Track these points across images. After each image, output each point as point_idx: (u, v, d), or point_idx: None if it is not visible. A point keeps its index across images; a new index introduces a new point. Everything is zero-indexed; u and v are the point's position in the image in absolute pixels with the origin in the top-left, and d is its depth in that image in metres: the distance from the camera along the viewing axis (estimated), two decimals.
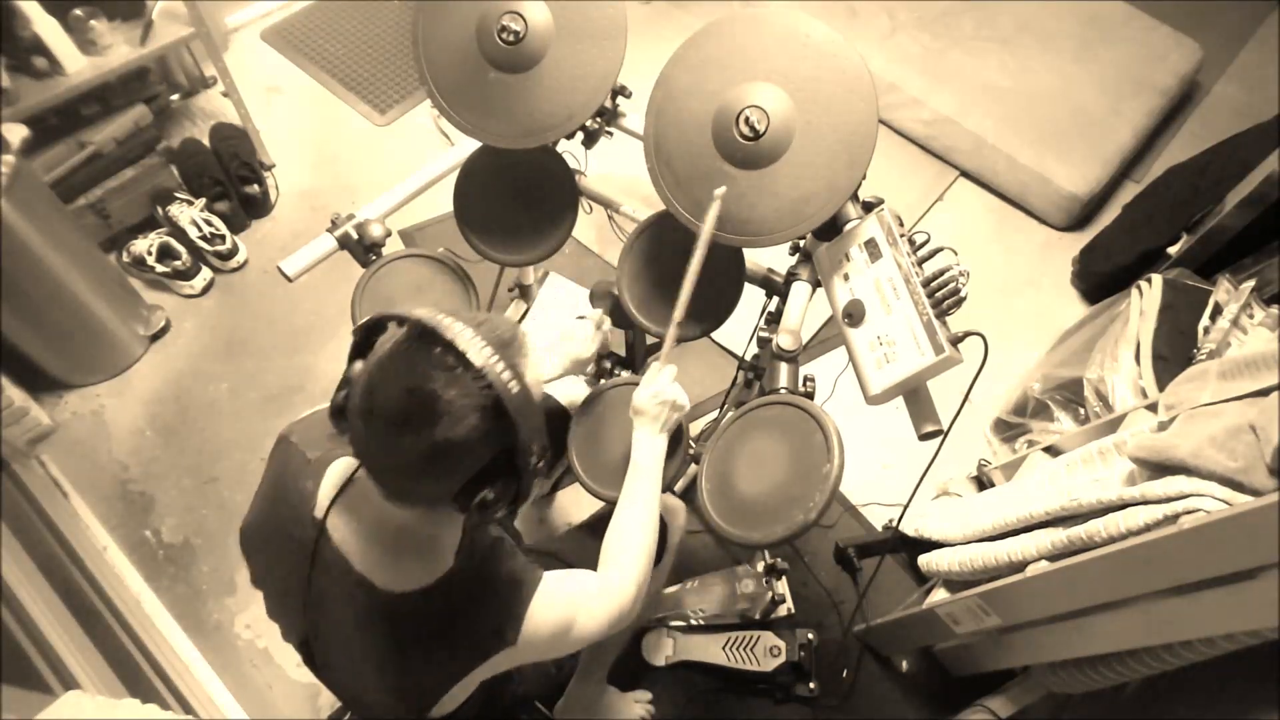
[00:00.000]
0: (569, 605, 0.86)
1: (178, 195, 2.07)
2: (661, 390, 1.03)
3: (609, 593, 0.90)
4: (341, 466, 0.82)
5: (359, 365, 0.73)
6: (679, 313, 1.07)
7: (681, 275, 1.26)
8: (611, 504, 1.07)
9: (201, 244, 2.04)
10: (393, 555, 0.79)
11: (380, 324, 0.73)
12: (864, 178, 1.04)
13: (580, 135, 1.31)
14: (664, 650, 1.57)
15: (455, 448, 0.68)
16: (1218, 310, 1.57)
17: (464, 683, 0.81)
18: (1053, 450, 1.47)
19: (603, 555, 0.95)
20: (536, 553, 1.21)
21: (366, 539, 0.79)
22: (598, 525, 1.08)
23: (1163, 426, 1.12)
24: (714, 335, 1.66)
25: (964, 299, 0.96)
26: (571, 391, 1.32)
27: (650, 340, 1.72)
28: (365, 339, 0.74)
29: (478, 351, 0.68)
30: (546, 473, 0.76)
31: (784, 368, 1.12)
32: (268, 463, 0.89)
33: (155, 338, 1.99)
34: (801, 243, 1.20)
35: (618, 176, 1.39)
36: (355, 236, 1.32)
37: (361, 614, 0.80)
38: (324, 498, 0.80)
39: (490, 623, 0.81)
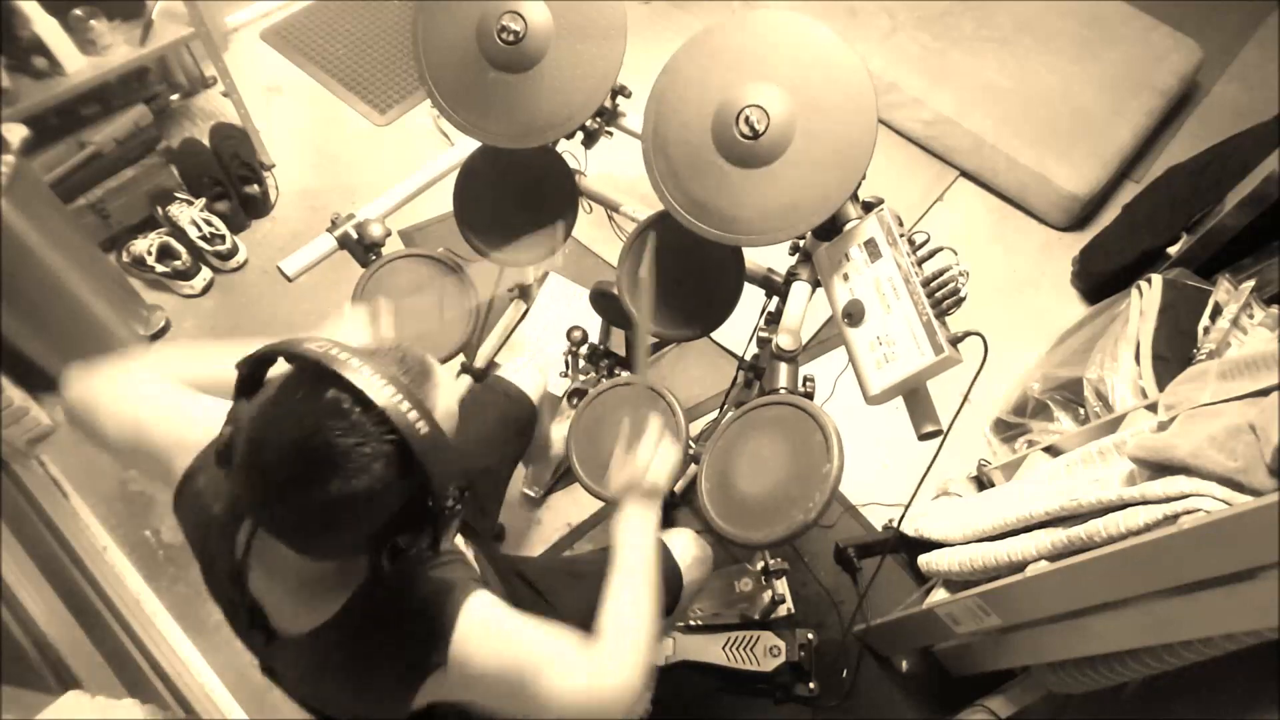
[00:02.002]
0: (525, 649, 0.74)
1: (178, 195, 2.07)
2: (644, 455, 0.92)
3: (598, 668, 0.74)
4: (249, 521, 0.74)
5: (244, 406, 0.65)
6: (642, 362, 1.05)
7: (681, 276, 1.26)
8: (611, 504, 1.07)
9: (201, 244, 2.04)
10: (307, 597, 0.73)
11: (269, 358, 0.66)
12: (864, 178, 1.04)
13: (580, 135, 1.31)
14: (664, 650, 1.57)
15: (356, 501, 0.60)
16: (1218, 310, 1.57)
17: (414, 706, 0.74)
18: (1053, 450, 1.47)
19: (597, 630, 0.79)
20: (509, 570, 1.15)
21: (282, 589, 0.74)
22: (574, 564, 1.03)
23: (1163, 426, 1.12)
24: (714, 335, 1.66)
25: (964, 299, 0.96)
26: (530, 381, 1.29)
27: (650, 340, 1.72)
28: (252, 374, 0.67)
29: (379, 391, 0.60)
30: (471, 507, 0.70)
31: (784, 368, 1.12)
32: (180, 514, 0.82)
33: (155, 338, 1.99)
34: (801, 242, 1.20)
35: (618, 176, 1.39)
36: (355, 236, 1.32)
37: (290, 658, 0.77)
38: (241, 543, 0.74)
39: (416, 638, 0.73)
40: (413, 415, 0.61)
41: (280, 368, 0.68)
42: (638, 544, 0.87)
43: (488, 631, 0.73)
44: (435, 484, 0.63)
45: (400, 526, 0.65)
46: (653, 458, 0.93)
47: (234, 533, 0.75)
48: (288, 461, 0.59)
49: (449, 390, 0.71)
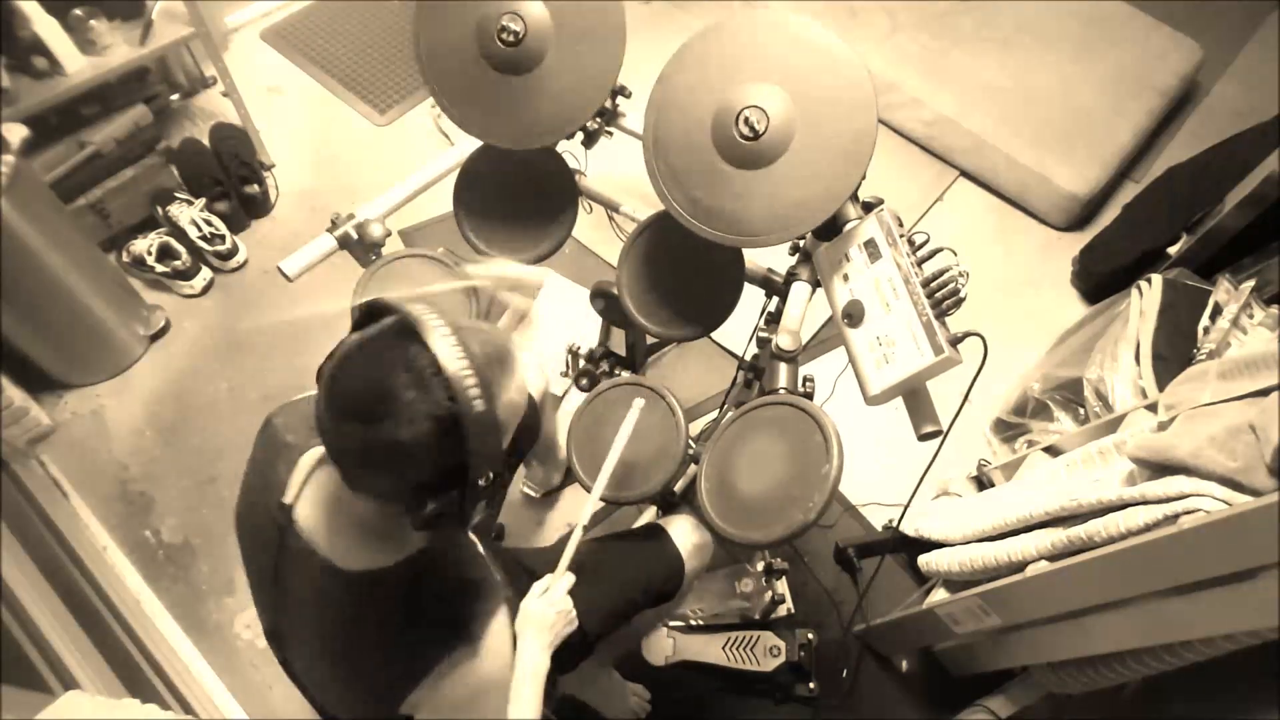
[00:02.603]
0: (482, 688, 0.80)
1: (178, 195, 2.07)
2: (559, 602, 0.98)
3: None
4: (316, 454, 0.80)
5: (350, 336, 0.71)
6: (585, 515, 1.06)
7: (681, 276, 1.27)
8: (612, 504, 1.07)
9: (201, 244, 2.04)
10: (355, 539, 0.76)
11: (380, 307, 0.72)
12: (864, 178, 1.04)
13: (580, 135, 1.31)
14: (664, 650, 1.57)
15: (399, 449, 0.64)
16: (1217, 310, 1.57)
17: (428, 691, 0.76)
18: (1053, 450, 1.47)
19: None
20: (512, 562, 1.19)
21: (330, 524, 0.77)
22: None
23: (1163, 426, 1.12)
24: (714, 335, 1.66)
25: (964, 299, 0.96)
26: (531, 379, 1.30)
27: (650, 340, 1.72)
28: (365, 318, 0.72)
29: (453, 360, 0.64)
30: (493, 497, 0.74)
31: (783, 368, 1.12)
32: (254, 446, 0.88)
33: (155, 338, 1.99)
34: (801, 243, 1.20)
35: (618, 176, 1.39)
36: (355, 236, 1.32)
37: (324, 600, 0.77)
38: (294, 484, 0.79)
39: (454, 612, 0.77)
40: (473, 391, 0.65)
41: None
42: (524, 684, 0.92)
43: (503, 643, 0.79)
44: (474, 460, 0.67)
45: (436, 490, 0.68)
46: (567, 598, 1.00)
47: (296, 459, 0.80)
48: (353, 394, 0.65)
49: (520, 383, 0.75)
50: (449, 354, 0.65)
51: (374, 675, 0.78)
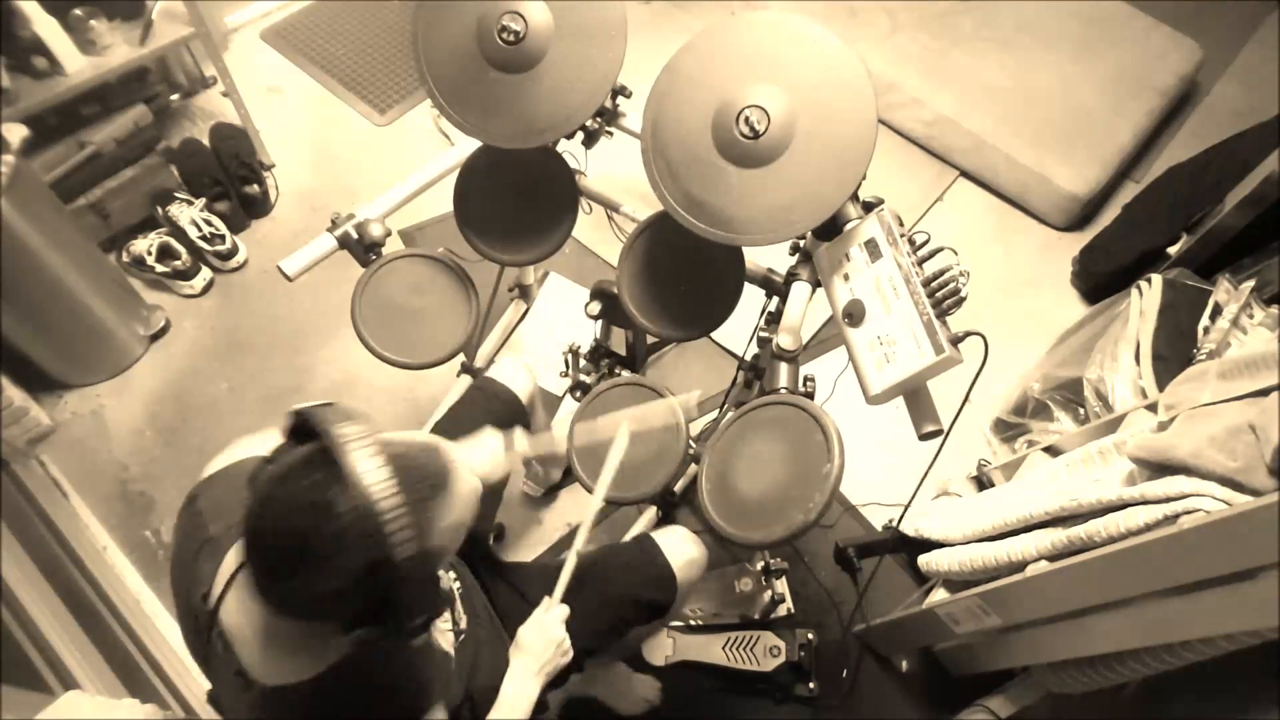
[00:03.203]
0: None
1: (178, 195, 2.07)
2: (553, 631, 0.98)
3: None
4: (239, 550, 0.74)
5: (284, 449, 0.67)
6: (580, 539, 1.04)
7: (681, 276, 1.27)
8: (612, 503, 1.07)
9: (201, 244, 2.04)
10: (279, 649, 0.73)
11: (314, 422, 0.65)
12: (864, 178, 1.04)
13: (580, 135, 1.31)
14: (664, 650, 1.57)
15: (325, 596, 0.63)
16: (1217, 310, 1.57)
17: None
18: (1053, 450, 1.47)
19: None
20: (493, 575, 1.18)
21: (255, 630, 0.73)
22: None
23: (1162, 426, 1.12)
24: (714, 335, 1.66)
25: (964, 299, 0.96)
26: (519, 381, 1.29)
27: (650, 340, 1.72)
28: (299, 426, 0.67)
29: (380, 500, 0.60)
30: (429, 621, 0.72)
31: (784, 368, 1.12)
32: (176, 522, 0.83)
33: (155, 338, 1.99)
34: (801, 242, 1.20)
35: (618, 176, 1.39)
36: (355, 236, 1.32)
37: (242, 706, 0.74)
38: (218, 585, 0.74)
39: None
40: (402, 534, 0.61)
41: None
42: (512, 711, 0.92)
43: None
44: (406, 604, 0.66)
45: (366, 620, 0.66)
46: (561, 627, 0.99)
47: (221, 557, 0.76)
48: (276, 544, 0.63)
49: (464, 502, 0.72)
50: (376, 493, 0.60)
51: None
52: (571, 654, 1.01)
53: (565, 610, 1.01)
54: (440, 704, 0.81)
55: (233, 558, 0.75)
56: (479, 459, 1.01)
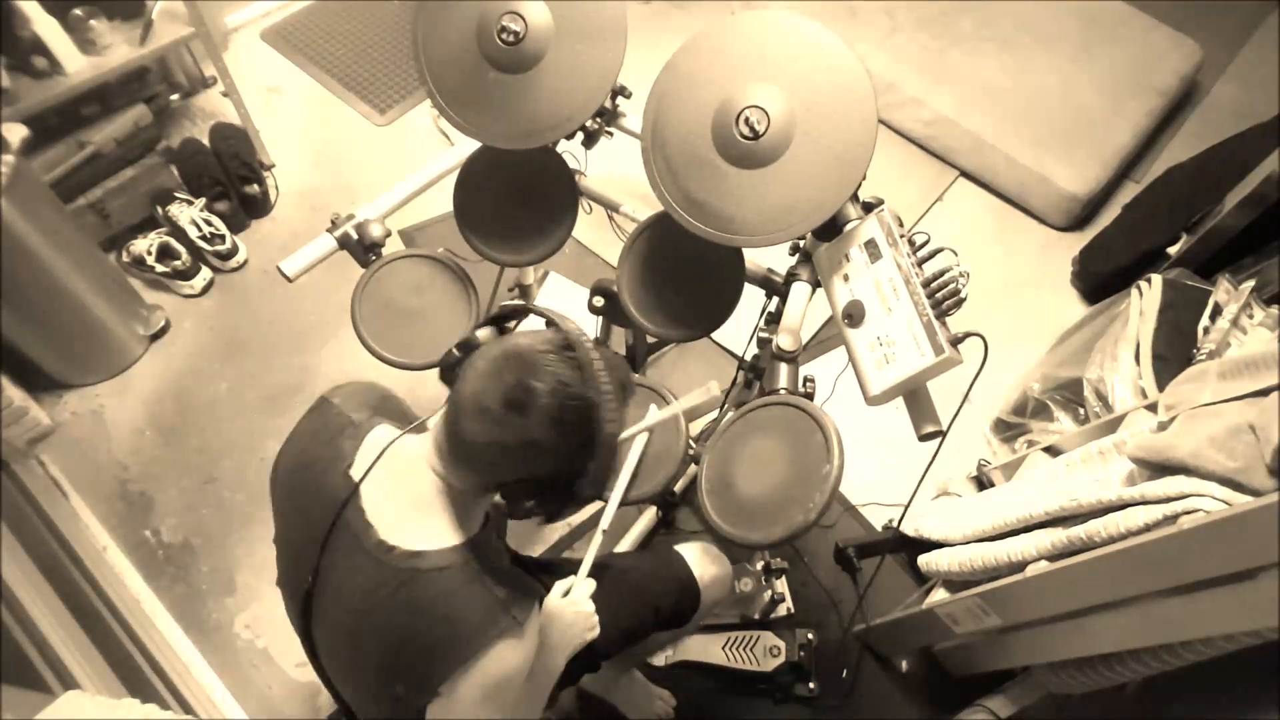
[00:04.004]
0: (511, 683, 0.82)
1: (177, 195, 2.07)
2: (581, 604, 1.01)
3: None
4: (381, 433, 0.84)
5: (484, 333, 0.80)
6: (606, 518, 1.06)
7: (681, 276, 1.26)
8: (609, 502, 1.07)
9: (201, 244, 2.04)
10: (420, 519, 0.79)
11: (523, 313, 0.81)
12: (864, 178, 1.04)
13: (580, 135, 1.31)
14: (663, 650, 1.57)
15: (534, 447, 0.72)
16: (1217, 310, 1.57)
17: (461, 682, 0.76)
18: (1053, 450, 1.47)
19: None
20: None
21: (396, 502, 0.80)
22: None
23: (1162, 427, 1.12)
24: (714, 335, 1.66)
25: (964, 299, 0.96)
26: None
27: (650, 340, 1.72)
28: (507, 316, 0.82)
29: (598, 380, 0.73)
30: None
31: (784, 368, 1.12)
32: (303, 419, 0.90)
33: (155, 338, 1.99)
34: (801, 243, 1.20)
35: (618, 176, 1.39)
36: (355, 236, 1.32)
37: (377, 575, 0.78)
38: (362, 460, 0.81)
39: (503, 595, 0.79)
40: (612, 415, 0.74)
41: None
42: (534, 682, 0.93)
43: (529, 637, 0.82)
44: (590, 476, 0.76)
45: (540, 490, 0.77)
46: (589, 602, 1.04)
47: (363, 437, 0.84)
48: (505, 391, 0.71)
49: (633, 420, 0.85)
50: (599, 383, 0.73)
51: (421, 656, 0.77)
52: (598, 630, 1.02)
53: (592, 584, 1.03)
54: (537, 603, 0.85)
55: (378, 438, 0.83)
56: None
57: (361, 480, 0.80)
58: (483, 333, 0.82)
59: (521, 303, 0.83)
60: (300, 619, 0.87)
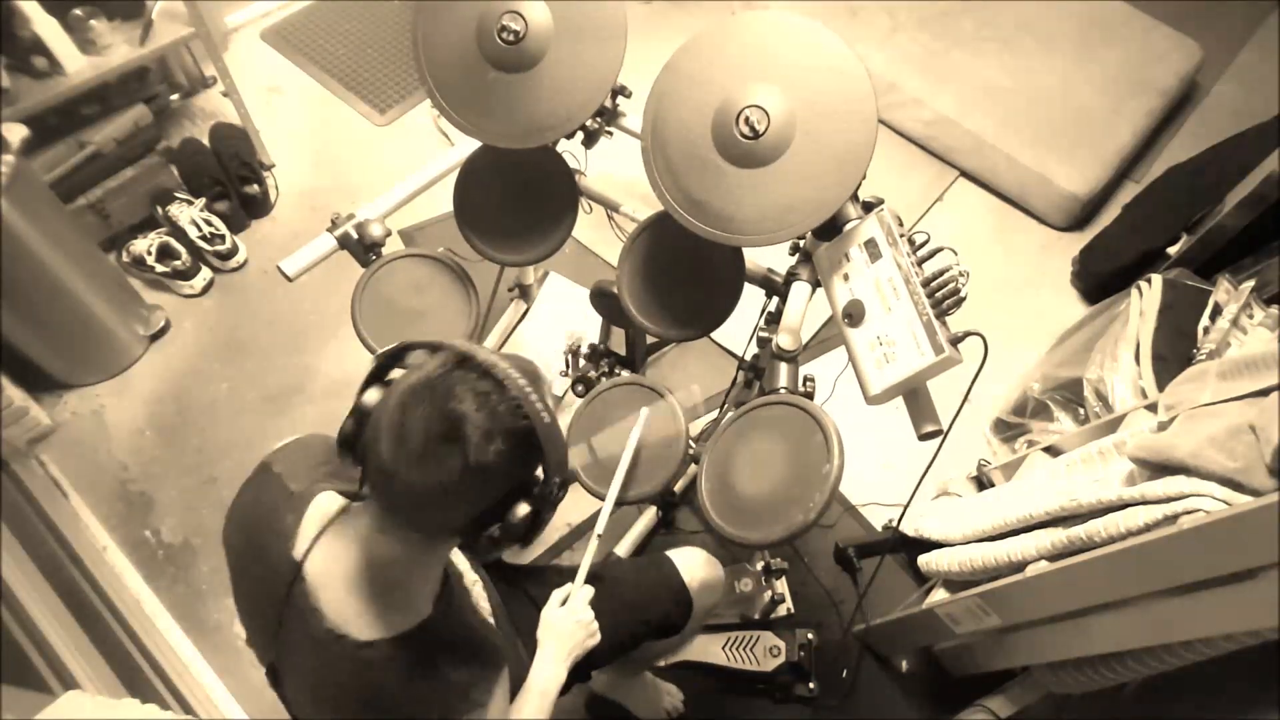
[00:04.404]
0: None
1: (177, 195, 2.07)
2: (580, 613, 0.99)
3: None
4: (324, 502, 0.80)
5: (373, 394, 0.72)
6: (601, 523, 1.06)
7: (681, 276, 1.27)
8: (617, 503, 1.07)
9: (201, 244, 2.03)
10: (369, 600, 0.75)
11: (401, 353, 0.74)
12: (864, 178, 1.04)
13: (580, 135, 1.31)
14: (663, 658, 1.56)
15: (480, 472, 0.66)
16: (1217, 310, 1.57)
17: None
18: (1053, 450, 1.47)
19: None
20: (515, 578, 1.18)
21: (344, 581, 0.75)
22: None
23: (1162, 427, 1.12)
24: (714, 335, 1.66)
25: (964, 299, 0.96)
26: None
27: (650, 340, 1.72)
28: (385, 366, 0.74)
29: (513, 380, 0.68)
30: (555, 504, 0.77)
31: (784, 368, 1.12)
32: (244, 486, 0.87)
33: (155, 338, 1.99)
34: (801, 243, 1.20)
35: (618, 176, 1.39)
36: (355, 236, 1.32)
37: (325, 667, 0.76)
38: (304, 536, 0.77)
39: (461, 679, 0.77)
40: (539, 405, 0.69)
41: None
42: (537, 695, 0.92)
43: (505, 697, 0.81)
44: (551, 467, 0.72)
45: (503, 512, 0.71)
46: (588, 610, 1.01)
47: (304, 510, 0.79)
48: (426, 433, 0.66)
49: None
50: (509, 375, 0.68)
51: None
52: (599, 636, 1.01)
53: (590, 591, 1.01)
54: (505, 673, 0.83)
55: (319, 510, 0.79)
56: None
57: (304, 559, 0.76)
58: (370, 395, 0.73)
59: (395, 345, 0.75)
60: (272, 684, 0.87)
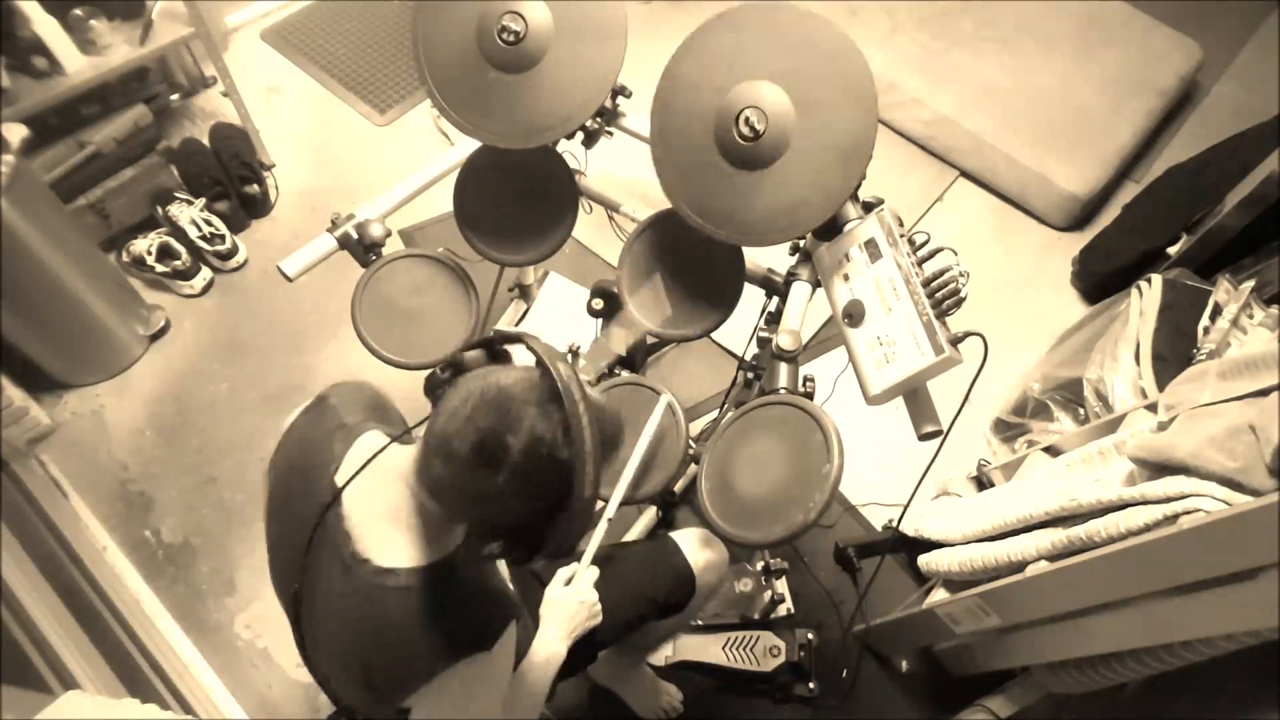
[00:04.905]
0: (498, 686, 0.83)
1: (177, 195, 2.07)
2: (584, 593, 1.00)
3: None
4: (371, 439, 0.83)
5: (477, 356, 0.74)
6: (612, 507, 1.06)
7: (681, 276, 1.27)
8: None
9: (201, 244, 2.03)
10: (398, 531, 0.78)
11: (516, 340, 0.75)
12: (864, 178, 1.04)
13: (580, 135, 1.31)
14: (664, 650, 1.57)
15: (501, 501, 0.67)
16: (1217, 310, 1.57)
17: (433, 686, 0.76)
18: (1053, 450, 1.47)
19: None
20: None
21: (377, 513, 0.78)
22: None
23: (1162, 427, 1.12)
24: (714, 335, 1.66)
25: (964, 299, 0.96)
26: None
27: (650, 340, 1.72)
28: (499, 341, 0.76)
29: (582, 448, 0.67)
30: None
31: (784, 368, 1.12)
32: (300, 414, 0.89)
33: (155, 338, 1.99)
34: (801, 243, 1.20)
35: (618, 176, 1.40)
36: (355, 236, 1.32)
37: (346, 592, 0.77)
38: (349, 465, 0.80)
39: (475, 620, 0.79)
40: (590, 476, 0.68)
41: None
42: (536, 671, 0.93)
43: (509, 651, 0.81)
44: (560, 532, 0.71)
45: (511, 537, 0.71)
46: (592, 590, 1.02)
47: (353, 442, 0.82)
48: (479, 441, 0.66)
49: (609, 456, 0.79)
50: (583, 437, 0.67)
51: (386, 670, 0.78)
52: (601, 616, 1.02)
53: (595, 572, 1.02)
54: (514, 621, 0.83)
55: (367, 443, 0.81)
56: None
57: (344, 487, 0.79)
58: (472, 355, 0.76)
59: (518, 332, 0.77)
60: (292, 616, 0.87)
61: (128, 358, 1.94)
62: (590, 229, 2.15)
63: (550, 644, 0.96)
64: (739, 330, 1.35)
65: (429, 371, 0.77)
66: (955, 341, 0.95)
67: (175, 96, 2.32)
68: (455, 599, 0.78)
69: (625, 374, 1.58)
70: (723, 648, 1.55)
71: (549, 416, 0.67)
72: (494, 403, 0.67)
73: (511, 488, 0.66)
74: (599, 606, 1.02)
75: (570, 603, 0.99)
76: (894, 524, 1.62)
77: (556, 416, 0.67)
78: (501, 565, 0.96)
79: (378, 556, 0.76)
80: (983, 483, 1.64)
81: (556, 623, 0.98)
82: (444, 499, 0.72)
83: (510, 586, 0.89)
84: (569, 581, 1.03)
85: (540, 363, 0.71)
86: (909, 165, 2.44)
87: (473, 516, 0.73)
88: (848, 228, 1.07)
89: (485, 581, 0.83)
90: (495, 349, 0.78)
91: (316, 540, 0.79)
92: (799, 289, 1.17)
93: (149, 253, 1.99)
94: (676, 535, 1.21)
